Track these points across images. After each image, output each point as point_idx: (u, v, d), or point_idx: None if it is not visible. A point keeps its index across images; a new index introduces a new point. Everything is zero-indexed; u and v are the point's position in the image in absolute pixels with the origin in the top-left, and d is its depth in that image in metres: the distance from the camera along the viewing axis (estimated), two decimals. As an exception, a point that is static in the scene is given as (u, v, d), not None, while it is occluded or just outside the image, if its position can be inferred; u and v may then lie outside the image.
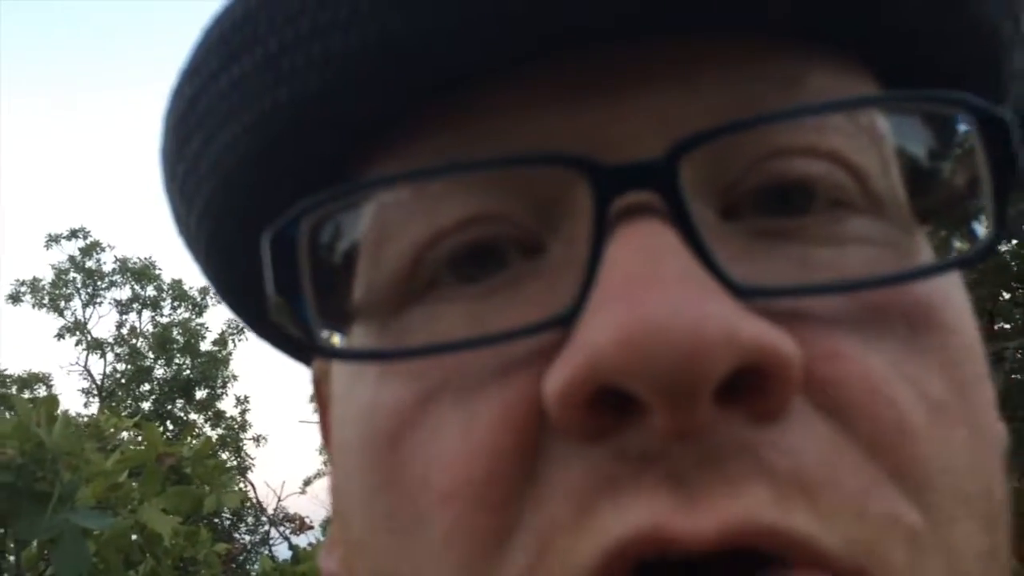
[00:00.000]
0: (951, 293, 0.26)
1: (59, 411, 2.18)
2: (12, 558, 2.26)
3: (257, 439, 14.48)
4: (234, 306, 0.37)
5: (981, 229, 0.25)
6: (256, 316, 0.37)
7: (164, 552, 2.43)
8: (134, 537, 2.38)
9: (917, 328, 0.24)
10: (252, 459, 13.91)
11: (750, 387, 0.21)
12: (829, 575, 0.21)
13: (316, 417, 0.38)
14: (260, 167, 0.29)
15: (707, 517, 0.20)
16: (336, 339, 0.27)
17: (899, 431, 0.22)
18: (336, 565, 0.33)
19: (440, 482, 0.24)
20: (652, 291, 0.21)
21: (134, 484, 2.48)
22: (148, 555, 2.41)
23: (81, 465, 2.11)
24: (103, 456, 2.42)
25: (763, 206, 0.25)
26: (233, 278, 0.35)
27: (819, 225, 0.25)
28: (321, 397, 0.36)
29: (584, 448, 0.22)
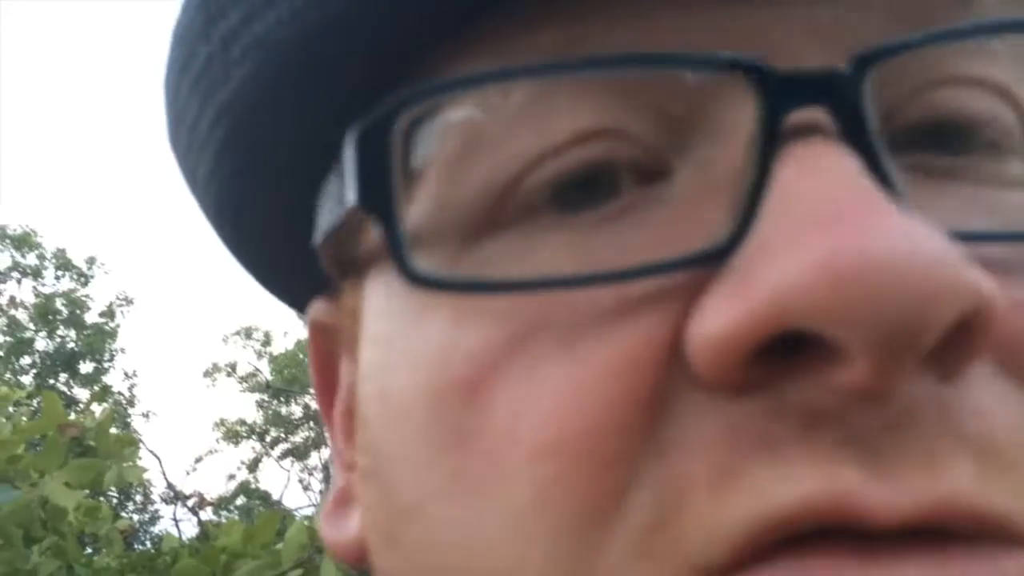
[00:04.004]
0: None
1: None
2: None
3: (146, 414, 14.04)
4: (229, 228, 0.31)
5: None
6: (253, 240, 0.31)
7: (67, 528, 2.29)
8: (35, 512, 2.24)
9: None
10: (140, 435, 13.48)
11: (945, 341, 0.18)
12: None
13: (312, 372, 0.32)
14: (311, 52, 0.24)
15: (904, 491, 0.18)
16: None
17: None
18: (353, 533, 0.28)
19: (535, 434, 0.20)
20: (861, 219, 0.17)
21: (31, 456, 2.34)
22: (50, 531, 2.27)
23: (-20, 434, 1.96)
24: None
25: (920, 140, 0.22)
26: (243, 191, 0.29)
27: (979, 165, 0.22)
28: (324, 345, 0.31)
29: (724, 401, 0.19)
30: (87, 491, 2.73)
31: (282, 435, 14.89)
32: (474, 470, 0.21)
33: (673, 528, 0.19)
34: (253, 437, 15.17)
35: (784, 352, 0.18)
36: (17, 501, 2.03)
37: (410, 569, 0.24)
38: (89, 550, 2.86)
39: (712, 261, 0.19)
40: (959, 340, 0.18)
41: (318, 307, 0.31)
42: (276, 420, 14.92)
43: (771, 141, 0.20)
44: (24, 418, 3.27)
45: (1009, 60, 0.23)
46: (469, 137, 0.23)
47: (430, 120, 0.22)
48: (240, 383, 15.41)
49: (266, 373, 15.08)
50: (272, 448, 15.04)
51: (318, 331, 0.31)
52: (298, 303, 0.34)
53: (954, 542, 0.18)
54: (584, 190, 0.22)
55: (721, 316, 0.18)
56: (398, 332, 0.24)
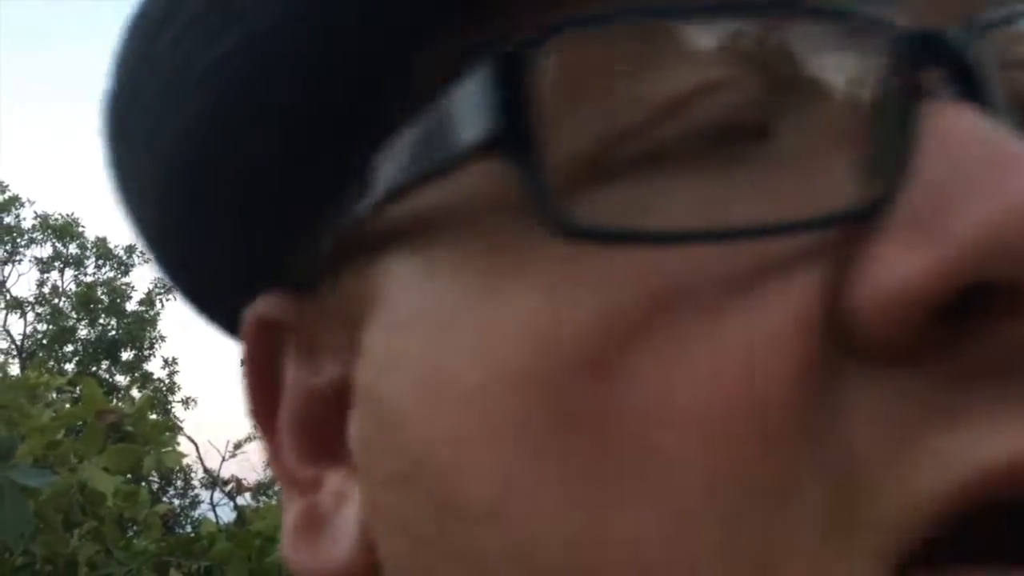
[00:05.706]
0: None
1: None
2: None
3: (186, 401, 14.23)
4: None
5: None
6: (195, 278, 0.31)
7: (106, 512, 2.32)
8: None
9: None
10: (181, 422, 13.67)
11: None
12: None
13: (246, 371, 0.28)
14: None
15: None
16: None
17: None
18: (342, 556, 0.25)
19: (697, 412, 0.18)
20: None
21: (70, 442, 2.38)
22: (89, 516, 2.31)
23: (20, 420, 1.99)
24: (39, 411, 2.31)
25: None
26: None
27: None
28: (270, 345, 0.28)
29: (890, 369, 0.18)
30: (128, 476, 2.77)
31: (319, 421, 15.01)
32: (611, 456, 0.19)
33: (857, 510, 0.18)
34: (291, 423, 15.30)
35: (951, 313, 0.18)
36: (56, 486, 2.06)
37: None
38: (130, 533, 2.90)
39: (858, 219, 0.19)
40: None
41: (271, 302, 0.28)
42: (313, 407, 15.03)
43: (905, 100, 0.19)
44: (67, 404, 3.32)
45: None
46: (582, 78, 0.21)
47: (544, 60, 0.20)
48: (277, 370, 15.55)
49: (303, 360, 15.20)
50: (309, 434, 15.17)
51: (265, 329, 0.28)
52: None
53: None
54: (700, 142, 0.20)
55: (905, 268, 0.17)
56: (462, 308, 0.22)
